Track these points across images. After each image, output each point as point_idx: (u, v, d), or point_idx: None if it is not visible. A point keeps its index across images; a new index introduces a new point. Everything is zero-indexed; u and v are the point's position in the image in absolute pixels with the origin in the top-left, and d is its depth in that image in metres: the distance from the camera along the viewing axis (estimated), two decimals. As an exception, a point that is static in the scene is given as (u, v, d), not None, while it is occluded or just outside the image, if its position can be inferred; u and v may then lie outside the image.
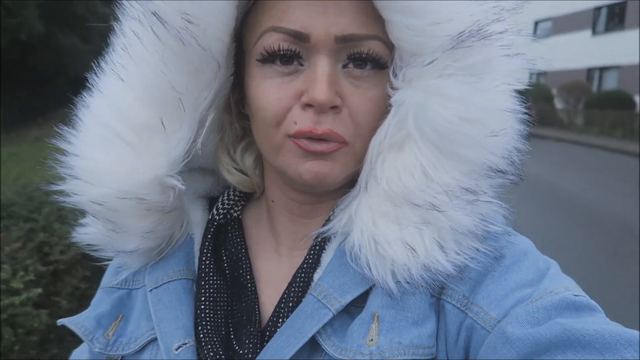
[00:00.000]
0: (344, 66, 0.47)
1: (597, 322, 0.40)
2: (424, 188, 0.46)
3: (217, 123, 0.57)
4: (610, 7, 19.17)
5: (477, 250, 0.47)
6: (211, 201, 0.63)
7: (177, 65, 0.47)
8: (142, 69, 0.48)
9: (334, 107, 0.46)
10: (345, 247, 0.50)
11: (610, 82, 19.51)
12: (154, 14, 0.45)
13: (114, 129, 0.50)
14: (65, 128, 0.52)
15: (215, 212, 0.59)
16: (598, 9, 19.60)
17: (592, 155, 12.20)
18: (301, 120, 0.46)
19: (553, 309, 0.42)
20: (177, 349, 0.49)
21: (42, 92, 14.03)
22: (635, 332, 0.38)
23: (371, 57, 0.47)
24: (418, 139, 0.46)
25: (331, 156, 0.48)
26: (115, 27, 0.50)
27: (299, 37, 0.46)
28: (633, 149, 12.75)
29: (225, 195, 0.61)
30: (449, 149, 0.46)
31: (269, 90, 0.48)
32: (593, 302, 0.44)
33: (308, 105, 0.46)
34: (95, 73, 0.52)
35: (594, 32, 19.83)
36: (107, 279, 0.62)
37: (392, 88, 0.47)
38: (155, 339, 0.52)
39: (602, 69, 19.99)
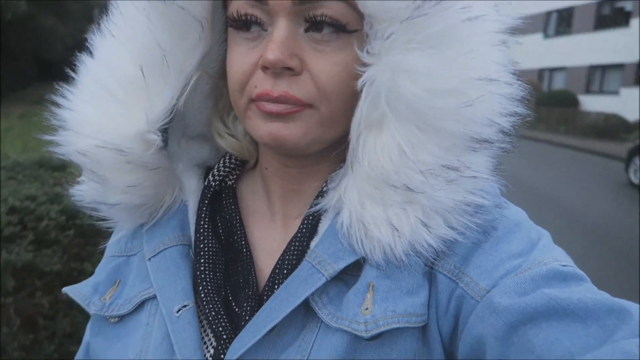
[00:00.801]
0: (307, 30, 0.46)
1: (582, 291, 0.41)
2: (400, 169, 0.45)
3: (213, 89, 0.58)
4: (560, 12, 20.65)
5: (467, 225, 0.47)
6: (207, 171, 0.63)
7: (162, 24, 0.49)
8: (131, 26, 0.50)
9: (290, 69, 0.45)
10: (337, 225, 0.50)
11: (559, 83, 21.07)
12: None
13: (103, 84, 0.52)
14: (64, 85, 0.54)
15: (211, 178, 0.60)
16: (549, 13, 21.01)
17: (539, 148, 13.51)
18: (260, 84, 0.46)
19: (540, 279, 0.43)
20: (177, 311, 0.51)
21: (17, 71, 14.09)
22: (619, 300, 0.39)
23: (327, 19, 0.45)
24: (393, 118, 0.45)
25: (291, 117, 0.47)
26: None
27: None
28: (574, 143, 14.26)
29: (221, 162, 0.61)
30: (426, 125, 0.44)
31: (236, 56, 0.48)
32: (580, 272, 0.45)
33: (265, 68, 0.46)
34: (92, 36, 0.54)
35: (546, 35, 21.29)
36: (108, 249, 0.64)
37: (363, 65, 0.45)
38: (149, 299, 0.54)
39: (552, 70, 21.44)
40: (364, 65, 0.45)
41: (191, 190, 0.60)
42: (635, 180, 8.21)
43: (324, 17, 0.45)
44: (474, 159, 0.47)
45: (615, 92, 17.83)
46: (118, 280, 0.58)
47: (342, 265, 0.48)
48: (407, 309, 0.46)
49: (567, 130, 17.07)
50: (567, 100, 18.82)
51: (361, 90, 0.46)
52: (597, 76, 18.91)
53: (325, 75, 0.46)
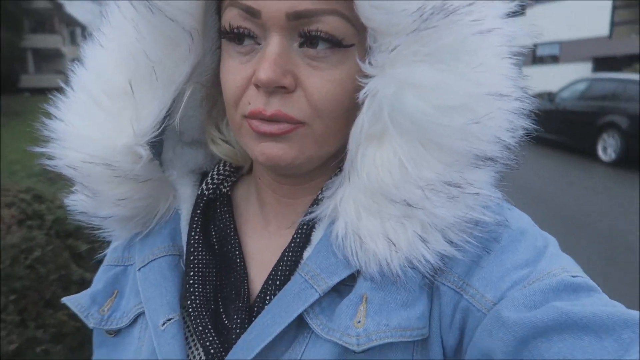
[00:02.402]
0: (301, 45, 0.44)
1: (595, 304, 0.39)
2: (401, 184, 0.44)
3: (206, 97, 0.58)
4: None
5: (466, 240, 0.45)
6: (202, 176, 0.62)
7: (151, 35, 0.48)
8: (120, 36, 0.49)
9: (283, 87, 0.44)
10: (331, 236, 0.49)
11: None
12: None
13: (92, 95, 0.51)
14: (57, 95, 0.53)
15: (204, 186, 0.59)
16: None
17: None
18: (254, 101, 0.45)
19: (550, 291, 0.41)
20: (162, 325, 0.50)
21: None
22: (634, 313, 0.38)
23: (322, 34, 0.43)
24: (395, 132, 0.43)
25: (285, 137, 0.46)
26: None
27: (251, 12, 0.44)
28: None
29: (216, 169, 0.60)
30: (430, 141, 0.43)
31: (229, 69, 0.47)
32: (591, 282, 0.43)
33: (258, 86, 0.44)
34: (84, 45, 0.53)
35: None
36: (107, 258, 0.63)
37: (366, 76, 0.44)
38: (143, 313, 0.54)
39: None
40: (366, 76, 0.44)
41: (185, 197, 0.59)
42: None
43: (318, 33, 0.43)
44: (477, 175, 0.45)
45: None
46: (116, 291, 0.58)
47: (335, 280, 0.47)
48: (402, 323, 0.44)
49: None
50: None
51: (362, 102, 0.44)
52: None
53: (319, 93, 0.45)
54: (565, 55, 20.77)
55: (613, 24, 19.39)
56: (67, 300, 0.57)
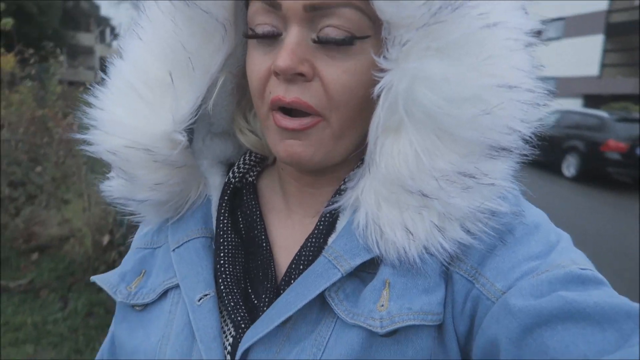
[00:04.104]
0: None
1: (600, 295, 0.40)
2: (416, 175, 0.45)
3: (237, 87, 0.60)
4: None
5: (483, 229, 0.46)
6: (230, 167, 0.64)
7: (187, 27, 0.50)
8: (158, 29, 0.52)
9: (301, 75, 0.46)
10: (353, 225, 0.50)
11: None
12: None
13: (132, 85, 0.54)
14: (96, 86, 0.56)
15: (231, 175, 0.61)
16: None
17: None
18: (274, 89, 0.48)
19: (558, 282, 0.42)
20: (199, 300, 0.52)
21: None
22: (637, 305, 0.38)
23: (341, 26, 0.45)
24: (410, 124, 0.45)
25: (305, 134, 0.48)
26: None
27: (273, 5, 0.46)
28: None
29: (242, 159, 0.63)
30: (444, 132, 0.44)
31: (254, 61, 0.50)
32: (600, 276, 0.44)
33: (277, 74, 0.47)
34: (122, 39, 0.56)
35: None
36: (135, 241, 0.66)
37: (381, 70, 0.45)
38: (172, 288, 0.56)
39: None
40: (381, 70, 0.45)
41: (215, 185, 0.62)
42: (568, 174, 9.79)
43: (338, 25, 0.45)
44: (492, 166, 0.46)
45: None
46: (143, 271, 0.60)
47: (358, 261, 0.48)
48: (423, 307, 0.45)
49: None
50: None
51: (378, 96, 0.46)
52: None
53: (335, 83, 0.46)
54: (559, 91, 22.78)
55: (603, 66, 21.50)
56: (96, 278, 0.61)
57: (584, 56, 21.40)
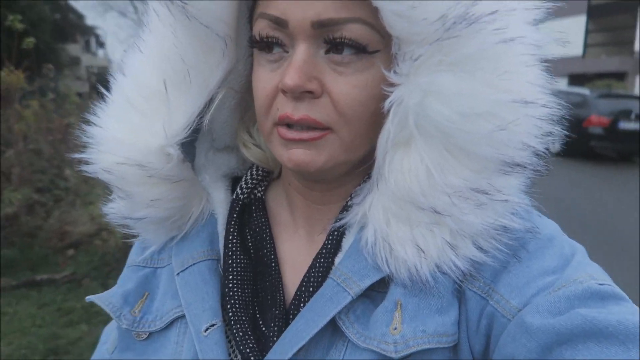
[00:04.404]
0: (327, 52, 0.46)
1: (621, 312, 0.39)
2: (428, 191, 0.44)
3: (239, 103, 0.60)
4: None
5: (496, 246, 0.46)
6: (234, 181, 0.63)
7: (187, 40, 0.50)
8: (158, 41, 0.51)
9: (309, 93, 0.45)
10: (361, 242, 0.49)
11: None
12: None
13: (129, 99, 0.53)
14: (97, 103, 0.55)
15: (239, 191, 0.60)
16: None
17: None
18: (282, 107, 0.47)
19: (576, 298, 0.41)
20: (205, 330, 0.50)
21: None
22: None
23: (347, 40, 0.44)
24: (421, 139, 0.44)
25: (314, 144, 0.47)
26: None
27: (279, 23, 0.45)
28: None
29: (249, 174, 0.61)
30: (456, 147, 0.43)
31: (260, 78, 0.49)
32: (619, 291, 0.42)
33: (284, 92, 0.46)
34: (125, 54, 0.55)
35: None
36: (132, 257, 0.64)
37: (391, 85, 0.44)
38: (180, 317, 0.54)
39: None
40: (391, 85, 0.44)
41: (219, 201, 0.60)
42: None
43: (343, 40, 0.44)
44: (506, 182, 0.45)
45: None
46: (146, 294, 0.58)
47: (367, 283, 0.47)
48: (438, 329, 0.45)
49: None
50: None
51: (388, 111, 0.45)
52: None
53: (345, 98, 0.45)
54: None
55: (586, 46, 22.01)
56: (96, 298, 0.57)
57: (569, 37, 21.82)
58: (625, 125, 9.43)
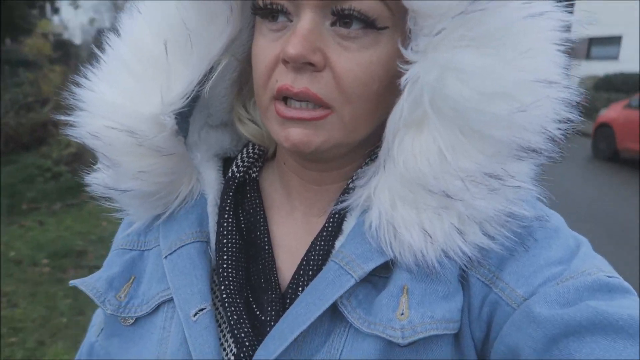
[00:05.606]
0: (333, 24, 0.44)
1: (632, 307, 0.39)
2: (440, 174, 0.43)
3: (240, 76, 0.58)
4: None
5: (504, 234, 0.45)
6: (225, 162, 0.61)
7: (191, 4, 0.48)
8: (160, 3, 0.49)
9: (311, 65, 0.43)
10: (364, 225, 0.48)
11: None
12: None
13: (125, 62, 0.50)
14: (88, 66, 0.52)
15: (235, 169, 0.57)
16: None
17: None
18: (281, 78, 0.45)
19: (585, 290, 0.41)
20: (194, 315, 0.48)
21: None
22: None
23: (356, 13, 0.42)
24: (436, 119, 0.42)
25: (313, 124, 0.45)
26: None
27: None
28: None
29: (244, 151, 0.59)
30: (472, 129, 0.42)
31: (260, 47, 0.47)
32: (626, 284, 0.42)
33: (286, 62, 0.43)
34: (121, 15, 0.53)
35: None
36: (118, 241, 0.61)
37: (406, 62, 0.42)
38: (167, 301, 0.52)
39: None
40: (406, 62, 0.42)
41: (210, 181, 0.58)
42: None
43: (352, 11, 0.42)
44: (519, 167, 0.44)
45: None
46: (133, 277, 0.56)
47: (371, 266, 0.46)
48: (445, 315, 0.44)
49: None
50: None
51: (403, 88, 0.43)
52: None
53: (347, 75, 0.44)
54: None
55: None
56: (80, 283, 0.55)
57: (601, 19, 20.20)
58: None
